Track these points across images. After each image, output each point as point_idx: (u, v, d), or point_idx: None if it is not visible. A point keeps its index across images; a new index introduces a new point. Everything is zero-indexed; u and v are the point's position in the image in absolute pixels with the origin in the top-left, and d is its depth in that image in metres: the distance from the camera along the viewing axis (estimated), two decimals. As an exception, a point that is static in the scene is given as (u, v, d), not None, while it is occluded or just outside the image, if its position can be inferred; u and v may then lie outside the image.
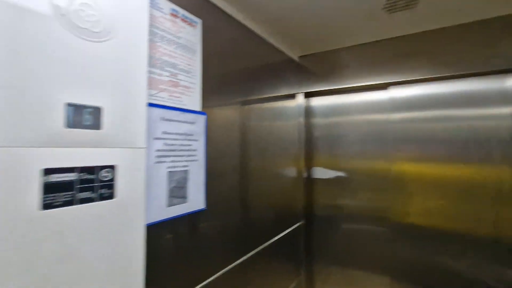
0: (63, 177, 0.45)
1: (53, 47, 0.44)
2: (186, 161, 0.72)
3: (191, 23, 0.75)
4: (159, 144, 0.65)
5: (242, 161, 0.98)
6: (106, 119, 0.51)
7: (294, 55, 1.43)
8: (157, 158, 0.64)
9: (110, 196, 0.52)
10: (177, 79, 0.70)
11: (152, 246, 0.63)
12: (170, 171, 0.67)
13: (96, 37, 0.50)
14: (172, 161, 0.68)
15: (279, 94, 1.26)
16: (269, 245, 1.15)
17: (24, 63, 0.41)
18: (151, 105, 0.63)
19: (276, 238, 1.20)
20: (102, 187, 0.51)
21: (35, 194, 0.42)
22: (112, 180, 0.52)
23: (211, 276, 0.82)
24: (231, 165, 0.93)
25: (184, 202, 0.72)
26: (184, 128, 0.72)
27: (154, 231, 0.64)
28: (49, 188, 0.43)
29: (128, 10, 0.56)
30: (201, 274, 0.79)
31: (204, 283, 0.79)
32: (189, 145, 0.73)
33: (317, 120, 1.48)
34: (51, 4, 0.44)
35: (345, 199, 1.38)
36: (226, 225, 0.90)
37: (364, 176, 1.34)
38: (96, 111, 0.50)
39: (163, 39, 0.67)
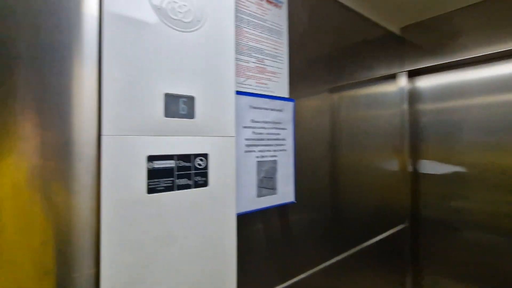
0: (164, 164, 0.48)
1: (154, 41, 0.47)
2: (275, 150, 0.69)
3: (276, 4, 0.71)
4: (247, 133, 0.64)
5: (333, 153, 0.89)
6: (198, 108, 0.52)
7: (394, 28, 1.22)
8: (246, 147, 0.63)
9: (204, 184, 0.53)
10: (264, 64, 0.68)
11: (242, 236, 0.63)
12: (259, 161, 0.66)
13: (187, 27, 0.51)
14: (261, 151, 0.66)
15: (376, 76, 1.09)
16: (366, 247, 1.02)
17: (132, 57, 0.45)
18: (239, 93, 0.62)
19: (374, 240, 1.06)
20: (196, 174, 0.52)
21: (143, 178, 0.46)
22: (205, 168, 0.53)
23: (302, 273, 0.77)
24: (321, 157, 0.85)
25: (274, 193, 0.69)
26: (272, 116, 0.69)
27: (244, 221, 0.64)
28: (153, 174, 0.47)
29: (216, -3, 0.55)
30: (291, 269, 0.75)
31: (295, 279, 0.75)
32: (277, 134, 0.70)
33: (425, 106, 1.22)
34: (150, 2, 0.47)
35: (463, 200, 1.11)
36: (317, 221, 0.83)
37: (489, 173, 1.04)
38: (190, 101, 0.51)
39: (249, 23, 0.65)
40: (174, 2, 0.49)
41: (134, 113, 0.45)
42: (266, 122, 0.67)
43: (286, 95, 0.72)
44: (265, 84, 0.68)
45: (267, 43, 0.68)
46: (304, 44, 0.79)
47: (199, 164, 0.53)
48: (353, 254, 0.96)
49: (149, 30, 0.47)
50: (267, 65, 0.68)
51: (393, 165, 1.18)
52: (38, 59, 0.39)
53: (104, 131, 0.42)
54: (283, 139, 0.71)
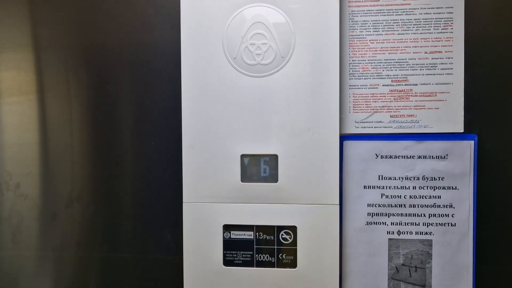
0: (241, 235, 0.44)
1: (227, 94, 0.43)
2: (428, 224, 0.43)
3: (441, -23, 0.43)
4: (372, 196, 0.44)
5: None
6: (282, 169, 0.42)
7: None
8: (369, 217, 0.44)
9: (291, 264, 0.43)
10: (409, 84, 0.43)
11: None
12: (393, 239, 0.44)
13: (267, 70, 0.42)
14: (397, 223, 0.44)
15: None
16: None
17: (207, 116, 0.44)
18: (356, 137, 0.44)
19: None
20: (281, 251, 0.43)
21: (219, 249, 0.44)
22: (293, 244, 0.43)
23: None
24: None
25: (426, 292, 0.43)
26: (422, 167, 0.43)
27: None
28: (229, 245, 0.44)
29: (308, 17, 0.42)
30: None
31: None
32: (436, 196, 0.43)
33: None
34: (224, 53, 0.43)
35: None
36: None
37: None
38: (272, 161, 0.43)
39: (375, 25, 0.44)
40: (251, 44, 0.42)
41: (210, 178, 0.44)
42: (409, 179, 0.43)
43: (458, 129, 0.43)
44: (411, 116, 0.43)
45: (416, 46, 0.43)
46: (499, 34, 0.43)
47: (285, 239, 0.43)
48: None
49: (222, 81, 0.43)
50: (414, 84, 0.43)
51: None
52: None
53: (185, 198, 0.44)
54: (449, 205, 0.43)
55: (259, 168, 0.43)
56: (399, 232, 0.44)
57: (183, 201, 0.44)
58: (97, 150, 0.49)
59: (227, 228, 0.44)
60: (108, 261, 0.50)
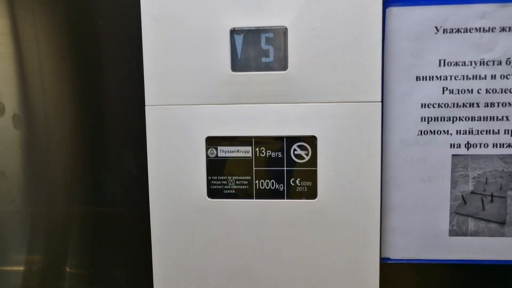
0: (233, 151, 0.30)
1: None
2: (513, 133, 0.30)
3: None
4: (429, 91, 0.30)
5: None
6: (294, 48, 0.28)
7: None
8: (424, 123, 0.30)
9: (309, 193, 0.29)
10: None
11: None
12: (458, 155, 0.30)
13: None
14: (467, 132, 0.30)
15: None
16: None
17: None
18: (403, 1, 0.29)
19: None
20: (294, 174, 0.30)
21: (201, 174, 0.31)
22: (311, 163, 0.29)
23: None
24: None
25: (501, 232, 0.30)
26: (508, 45, 0.29)
27: (404, 277, 0.32)
28: (215, 168, 0.30)
29: None
30: None
31: None
32: (526, 90, 0.29)
33: None
34: None
35: None
36: None
37: None
38: (278, 36, 0.29)
39: None
40: None
41: (184, 67, 0.29)
42: (486, 64, 0.29)
43: None
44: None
45: None
46: None
47: (299, 156, 0.29)
48: None
49: None
50: None
51: None
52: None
53: (147, 98, 0.30)
54: (548, 104, 0.29)
55: (258, 49, 0.29)
56: (468, 145, 0.30)
57: (145, 103, 0.30)
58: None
59: (212, 141, 0.30)
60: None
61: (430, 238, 0.31)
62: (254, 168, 0.30)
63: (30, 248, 0.37)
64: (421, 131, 0.30)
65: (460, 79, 0.30)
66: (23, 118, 0.35)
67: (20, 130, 0.35)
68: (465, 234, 0.31)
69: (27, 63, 0.34)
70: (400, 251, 0.31)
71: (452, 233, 0.31)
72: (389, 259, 0.32)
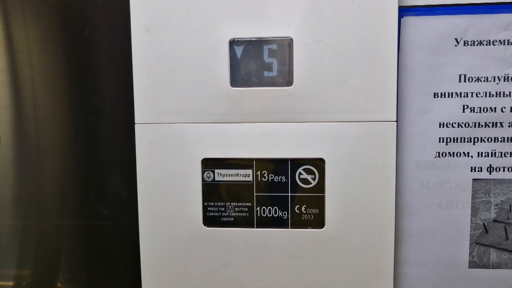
0: (231, 175, 0.27)
1: None
2: (541, 154, 0.27)
3: None
4: (448, 109, 0.28)
5: None
6: (300, 62, 0.26)
7: None
8: (441, 144, 0.28)
9: (316, 222, 0.27)
10: None
11: None
12: (480, 179, 0.28)
13: None
14: (489, 154, 0.28)
15: None
16: None
17: None
18: (420, 10, 0.27)
19: None
20: (299, 200, 0.27)
21: (197, 199, 0.28)
22: (319, 188, 0.27)
23: None
24: None
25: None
26: (535, 59, 0.27)
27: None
28: (212, 193, 0.28)
29: None
30: None
31: None
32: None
33: None
34: None
35: None
36: None
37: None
38: (282, 48, 0.26)
39: None
40: None
41: (178, 81, 0.27)
42: (510, 80, 0.27)
43: None
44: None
45: None
46: None
47: (305, 181, 0.27)
48: None
49: None
50: None
51: None
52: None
53: (137, 116, 0.28)
54: None
55: (261, 62, 0.27)
56: (490, 169, 0.28)
57: (135, 121, 0.28)
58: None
59: (209, 164, 0.27)
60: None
61: (448, 270, 0.29)
62: (255, 194, 0.27)
63: (20, 263, 0.35)
64: (439, 153, 0.28)
65: (482, 96, 0.27)
66: (13, 134, 0.32)
67: (9, 145, 0.33)
68: (486, 266, 0.28)
69: (19, 84, 0.32)
70: (416, 284, 0.29)
71: (472, 264, 0.29)
72: (403, 292, 0.30)
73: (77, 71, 0.31)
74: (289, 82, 0.26)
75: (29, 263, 0.35)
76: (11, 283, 0.36)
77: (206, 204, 0.28)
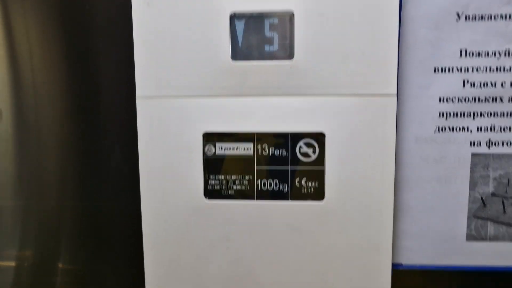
0: (232, 148, 0.28)
1: None
2: (540, 129, 0.28)
3: None
4: (448, 85, 0.28)
5: None
6: (301, 35, 0.26)
7: None
8: (441, 119, 0.28)
9: (316, 195, 0.28)
10: None
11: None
12: (479, 154, 0.28)
13: None
14: (489, 129, 0.28)
15: None
16: None
17: None
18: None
19: None
20: (299, 174, 0.28)
21: (198, 172, 0.29)
22: (319, 161, 0.27)
23: None
24: None
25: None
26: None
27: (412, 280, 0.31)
28: (213, 166, 0.28)
29: None
30: None
31: None
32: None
33: None
34: None
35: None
36: None
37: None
38: (283, 22, 0.26)
39: None
40: None
41: (178, 55, 0.27)
42: (511, 55, 0.27)
43: None
44: None
45: None
46: None
47: (305, 154, 0.27)
48: None
49: None
50: None
51: None
52: None
53: (138, 90, 0.28)
54: None
55: (262, 36, 0.27)
56: (489, 143, 0.28)
57: (136, 94, 0.28)
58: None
59: (210, 138, 0.28)
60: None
61: (446, 242, 0.29)
62: (255, 167, 0.28)
63: (22, 244, 0.36)
64: (439, 127, 0.28)
65: (482, 71, 0.27)
66: (13, 113, 0.33)
67: (10, 124, 0.33)
68: (484, 239, 0.29)
69: (18, 59, 0.32)
70: (414, 257, 0.29)
71: (470, 237, 0.29)
72: (401, 265, 0.30)
73: (77, 46, 0.31)
74: (290, 55, 0.26)
75: (30, 243, 0.36)
76: (13, 264, 0.37)
77: (207, 177, 0.28)
